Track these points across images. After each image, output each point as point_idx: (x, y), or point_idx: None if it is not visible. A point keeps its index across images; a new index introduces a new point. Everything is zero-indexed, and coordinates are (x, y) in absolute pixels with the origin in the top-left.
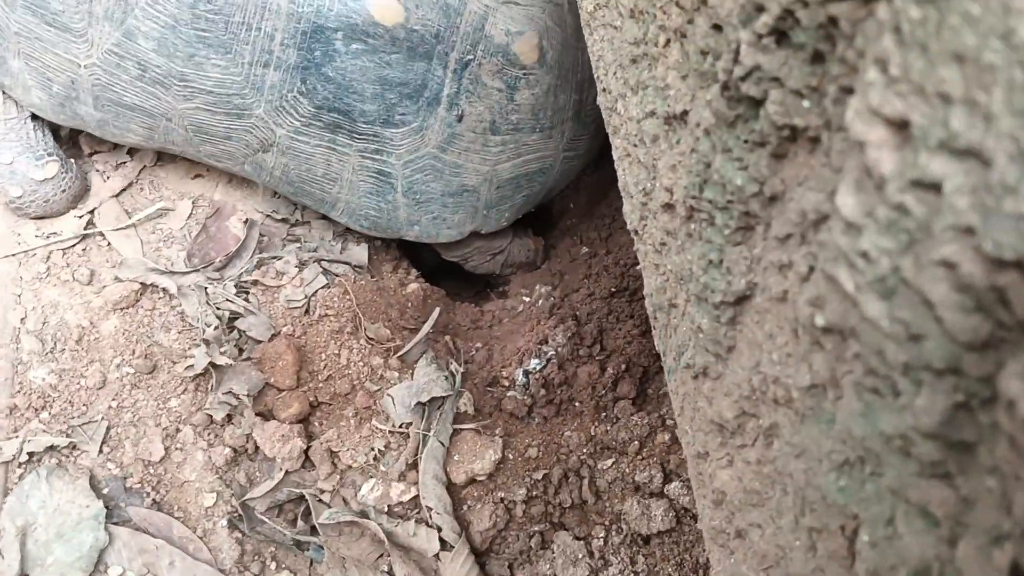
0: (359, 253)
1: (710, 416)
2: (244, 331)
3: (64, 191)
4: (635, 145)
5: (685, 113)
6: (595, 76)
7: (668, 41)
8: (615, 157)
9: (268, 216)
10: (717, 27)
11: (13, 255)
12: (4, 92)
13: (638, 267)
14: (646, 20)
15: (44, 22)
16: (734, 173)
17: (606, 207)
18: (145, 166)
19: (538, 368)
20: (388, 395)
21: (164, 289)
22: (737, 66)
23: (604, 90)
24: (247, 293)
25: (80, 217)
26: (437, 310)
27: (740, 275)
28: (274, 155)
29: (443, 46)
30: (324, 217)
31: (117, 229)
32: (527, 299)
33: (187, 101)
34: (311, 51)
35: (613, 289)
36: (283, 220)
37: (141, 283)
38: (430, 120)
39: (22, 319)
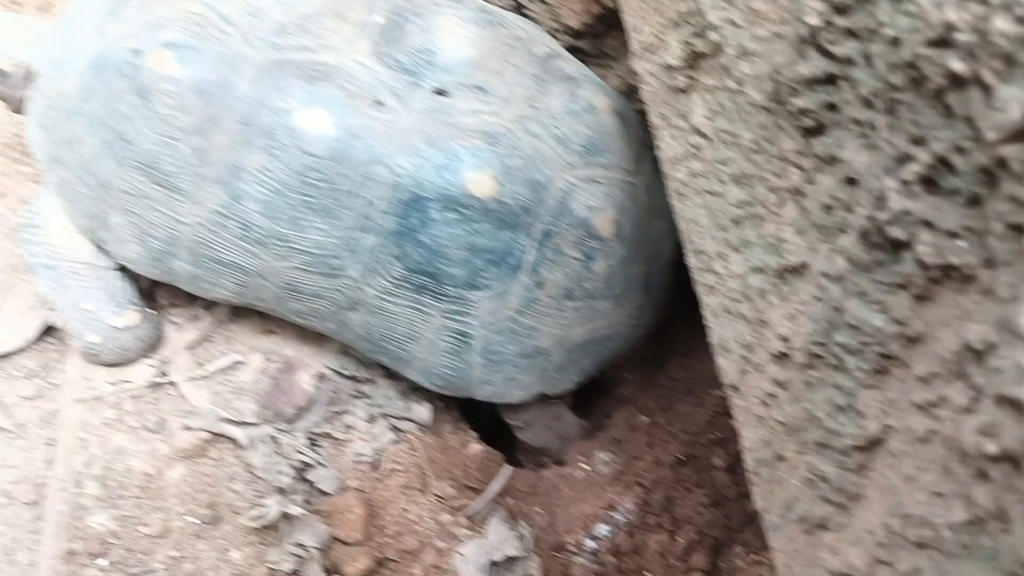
0: (423, 412)
1: (836, 568)
2: (314, 483)
3: (140, 340)
4: (736, 301)
5: (804, 265)
6: (685, 240)
7: (782, 200)
8: (708, 315)
9: (336, 372)
10: (851, 180)
11: (83, 400)
12: (97, 245)
13: (707, 436)
14: (753, 184)
15: (153, 181)
16: (871, 316)
17: (664, 377)
18: (220, 321)
19: (607, 535)
20: (459, 553)
21: (233, 439)
22: (881, 212)
23: (697, 252)
24: (317, 445)
25: (153, 367)
26: (509, 469)
27: (873, 419)
28: (360, 314)
29: (529, 218)
30: (389, 376)
31: (189, 379)
32: (586, 467)
33: (284, 260)
34: (408, 218)
35: (680, 456)
36: (351, 377)
37: (211, 432)
38: (512, 285)
39: (86, 463)
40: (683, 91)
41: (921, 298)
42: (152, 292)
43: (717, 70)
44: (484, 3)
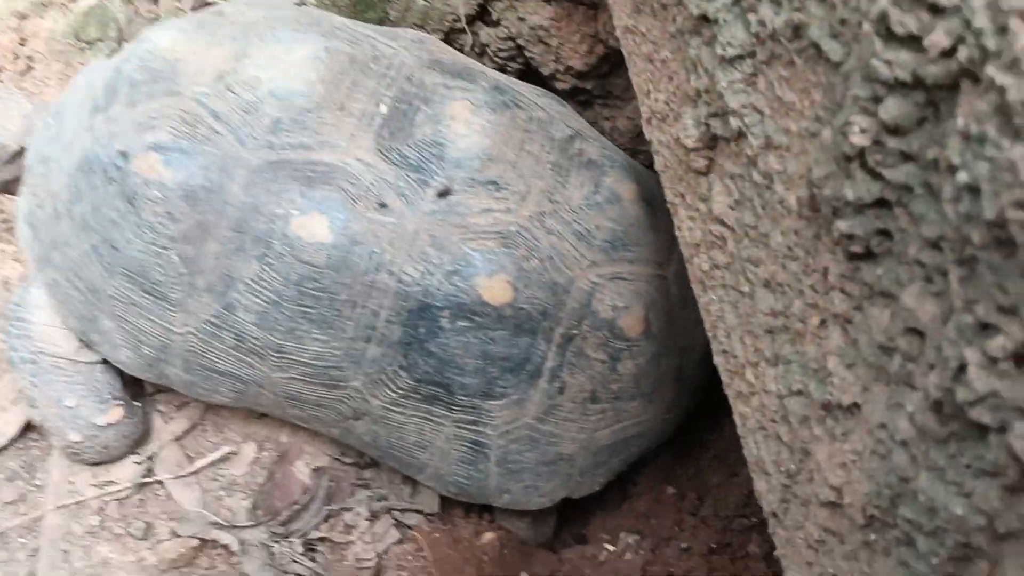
0: (431, 499)
1: None
2: None
3: (125, 436)
4: (773, 421)
5: (855, 407)
6: (710, 334)
7: (824, 322)
8: (739, 423)
9: (336, 459)
10: (914, 331)
11: (65, 506)
12: (87, 345)
13: (741, 520)
14: (788, 294)
15: (142, 290)
16: (949, 499)
17: (694, 443)
18: (209, 406)
19: None
20: None
21: (225, 546)
22: (960, 386)
23: (724, 352)
24: (315, 551)
25: (139, 464)
26: None
27: None
28: (365, 423)
29: (548, 322)
30: None
31: (177, 477)
32: (610, 547)
33: (282, 371)
34: (416, 328)
35: (713, 545)
36: (353, 464)
37: (200, 539)
38: (530, 392)
39: None
40: (701, 173)
41: (1016, 491)
42: (139, 379)
43: (741, 157)
44: (499, 79)
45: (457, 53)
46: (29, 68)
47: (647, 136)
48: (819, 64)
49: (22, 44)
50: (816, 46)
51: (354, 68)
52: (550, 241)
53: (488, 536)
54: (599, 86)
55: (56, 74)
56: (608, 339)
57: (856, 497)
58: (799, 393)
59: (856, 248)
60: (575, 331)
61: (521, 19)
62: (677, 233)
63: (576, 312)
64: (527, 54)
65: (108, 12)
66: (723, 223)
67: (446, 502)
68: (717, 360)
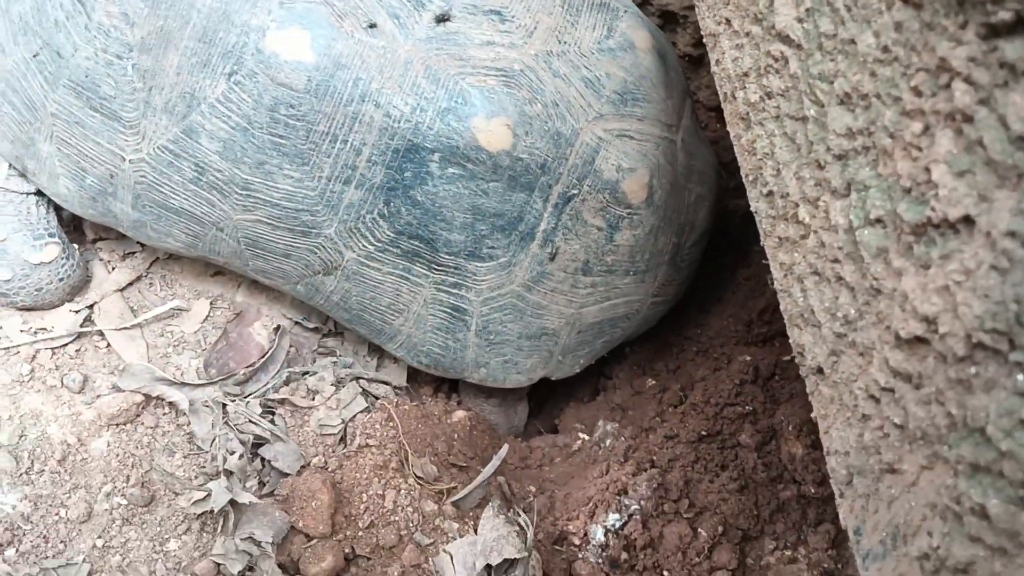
0: (398, 372)
1: None
2: (269, 461)
3: (62, 279)
4: (835, 261)
5: (967, 220)
6: (751, 177)
7: (928, 129)
8: (781, 276)
9: (297, 324)
10: None
11: None
12: (21, 173)
13: (732, 408)
14: (874, 106)
15: (89, 106)
16: None
17: (673, 334)
18: (158, 258)
19: (617, 525)
20: (445, 552)
21: (172, 404)
22: None
23: (770, 194)
24: (273, 414)
25: (76, 312)
26: (505, 448)
27: None
28: (336, 279)
29: (547, 178)
30: None
31: (120, 329)
32: (584, 436)
33: (246, 212)
34: (401, 171)
35: (703, 433)
36: (314, 329)
37: (144, 395)
38: (520, 256)
39: None
40: None
41: None
42: (78, 222)
43: None
44: None
45: None
46: None
47: None
48: None
49: None
50: None
51: None
52: (556, 85)
53: (459, 415)
54: None
55: None
56: (608, 203)
57: (957, 325)
58: (877, 222)
59: (1003, 15)
60: (575, 191)
61: None
62: (715, 68)
63: (578, 169)
64: None
65: None
66: (787, 40)
67: (413, 379)
68: (757, 206)
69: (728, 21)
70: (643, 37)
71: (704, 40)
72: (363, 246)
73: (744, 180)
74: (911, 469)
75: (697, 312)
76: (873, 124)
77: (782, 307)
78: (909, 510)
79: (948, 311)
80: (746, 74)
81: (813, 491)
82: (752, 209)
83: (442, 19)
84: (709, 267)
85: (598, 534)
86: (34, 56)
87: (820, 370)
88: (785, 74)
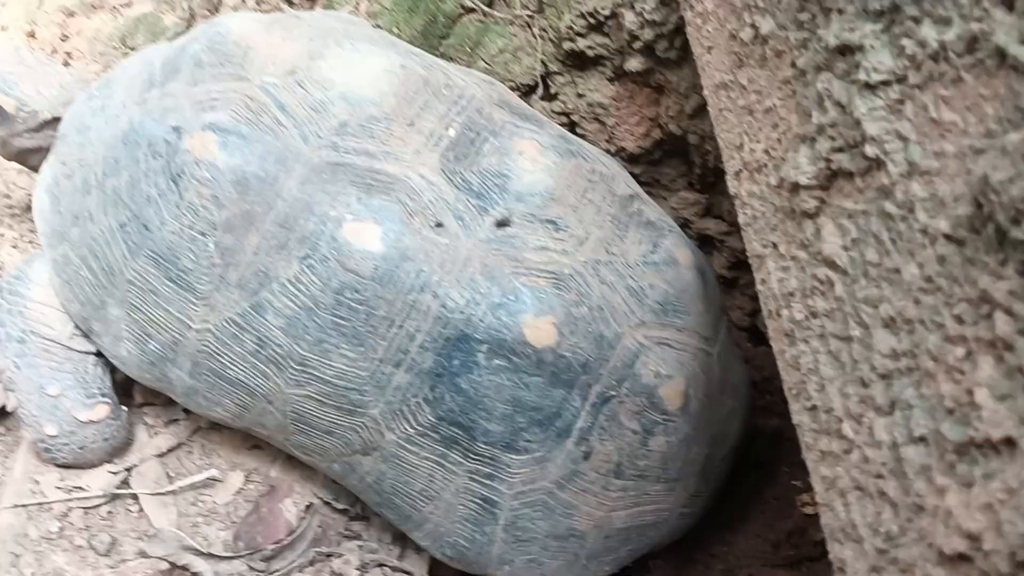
0: (420, 564)
1: None
2: None
3: (106, 439)
4: (878, 477)
5: (1009, 441)
6: (793, 391)
7: (970, 354)
8: (820, 490)
9: (327, 504)
10: None
11: (24, 506)
12: (84, 334)
13: None
14: (918, 331)
15: (166, 276)
16: None
17: (698, 551)
18: (200, 427)
19: None
20: None
21: (196, 574)
22: None
23: (813, 408)
24: None
25: (115, 473)
26: None
27: None
28: (373, 460)
29: (588, 377)
30: None
31: (154, 494)
32: None
33: (298, 387)
34: (450, 359)
35: None
36: (343, 511)
37: (171, 563)
38: (555, 452)
39: None
40: (809, 215)
41: None
42: (128, 386)
43: (867, 192)
44: (565, 131)
45: (523, 102)
46: (66, 64)
47: (733, 190)
48: (1000, 73)
49: (63, 40)
50: (1001, 53)
51: (427, 89)
52: (602, 291)
53: None
54: (648, 172)
55: (93, 74)
56: (645, 408)
57: (1000, 543)
58: (921, 440)
59: None
60: (613, 392)
61: (580, 95)
62: (760, 287)
63: (617, 371)
64: (579, 131)
65: (161, 22)
66: (833, 265)
67: (434, 571)
68: (800, 420)
69: (775, 245)
70: (685, 255)
71: (749, 261)
72: (404, 429)
73: (787, 394)
74: None
75: (723, 530)
76: (917, 347)
77: (822, 522)
78: None
79: (991, 528)
80: (791, 294)
81: None
82: (795, 423)
83: (502, 224)
84: (736, 485)
85: None
86: (121, 227)
87: None
88: (831, 296)
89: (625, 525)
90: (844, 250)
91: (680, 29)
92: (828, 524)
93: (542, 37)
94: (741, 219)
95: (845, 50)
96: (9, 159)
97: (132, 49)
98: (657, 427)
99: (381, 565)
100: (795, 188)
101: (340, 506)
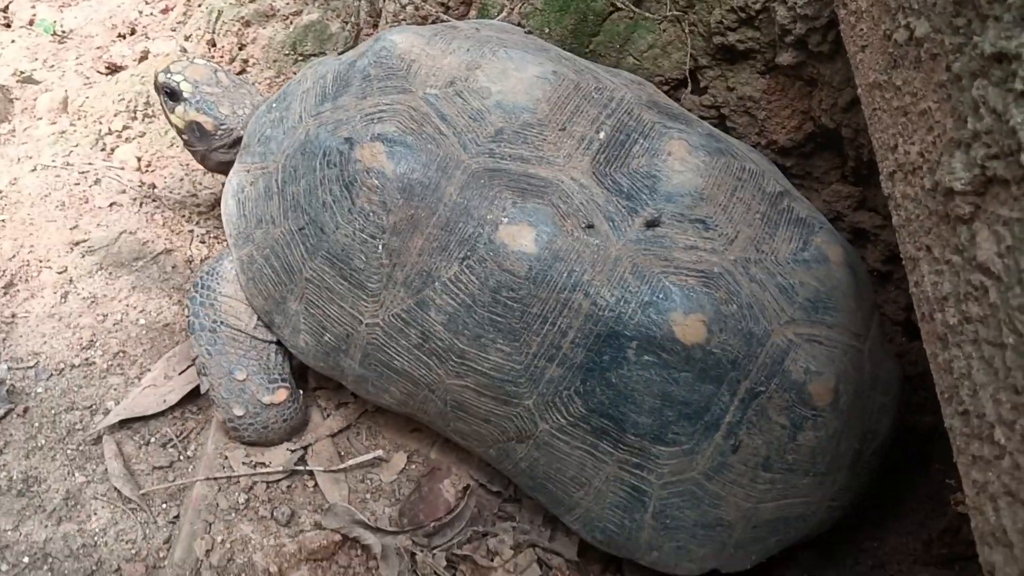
0: (570, 546)
1: None
2: None
3: (286, 420)
4: None
5: None
6: (946, 395)
7: None
8: (970, 494)
9: (482, 486)
10: None
11: (215, 479)
12: (266, 325)
13: None
14: None
15: (340, 275)
16: None
17: (846, 545)
18: (366, 410)
19: None
20: None
21: (365, 547)
22: None
23: (965, 412)
24: (456, 569)
25: (293, 451)
26: None
27: None
28: (527, 447)
29: (737, 373)
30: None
31: (328, 471)
32: None
33: (458, 378)
34: (600, 354)
35: None
36: (496, 493)
37: (343, 535)
38: (703, 445)
39: (207, 551)
40: (963, 221)
41: None
42: (303, 372)
43: (1022, 200)
44: (714, 129)
45: (671, 100)
46: (243, 71)
47: (887, 191)
48: None
49: (240, 48)
50: None
51: (578, 94)
52: (752, 289)
53: None
54: (799, 165)
55: (267, 80)
56: (794, 403)
57: None
58: None
59: None
60: (762, 388)
61: (730, 88)
62: (914, 290)
63: (767, 368)
64: (729, 124)
65: (327, 30)
66: (987, 272)
67: (583, 554)
68: (952, 423)
69: (928, 248)
70: (836, 252)
71: (903, 263)
72: (556, 419)
73: (939, 397)
74: None
75: (873, 526)
76: None
77: (972, 525)
78: None
79: None
80: (945, 298)
81: None
82: (947, 426)
83: (652, 224)
84: (888, 481)
85: None
86: (300, 230)
87: None
88: (984, 303)
89: (773, 516)
90: (999, 257)
91: (833, 23)
92: (978, 528)
93: (692, 32)
94: (895, 220)
95: (1001, 58)
96: (209, 170)
97: (302, 55)
98: (806, 422)
99: (533, 545)
100: (949, 193)
101: (495, 488)
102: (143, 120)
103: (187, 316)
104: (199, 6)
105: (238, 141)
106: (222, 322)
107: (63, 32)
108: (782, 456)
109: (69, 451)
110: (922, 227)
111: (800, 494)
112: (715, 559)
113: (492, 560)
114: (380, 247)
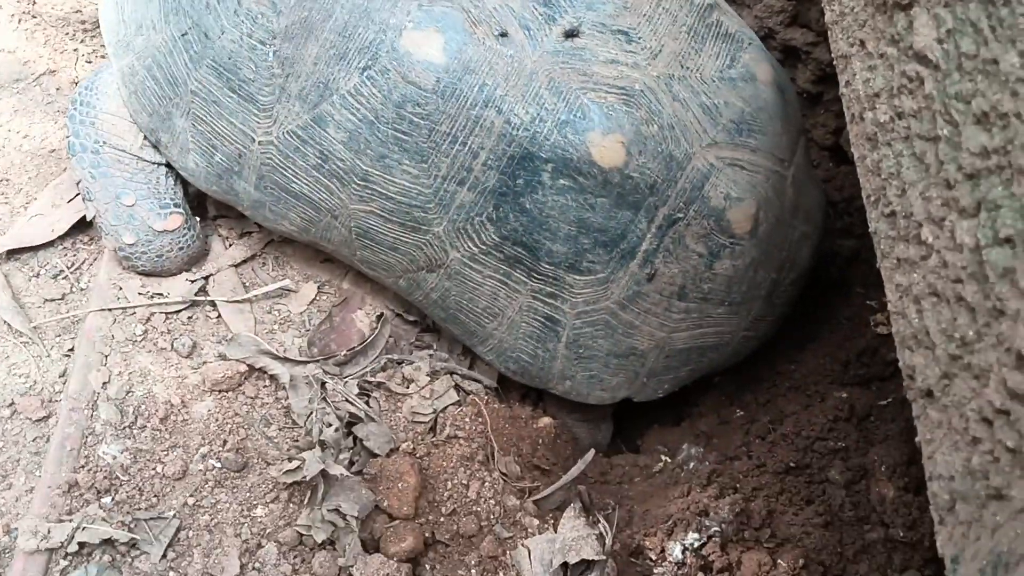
0: (490, 373)
1: None
2: (361, 440)
3: (182, 248)
4: (956, 281)
5: None
6: (872, 197)
7: None
8: (893, 298)
9: (398, 315)
10: None
11: (109, 310)
12: (154, 145)
13: (823, 443)
14: (1013, 126)
15: (228, 87)
16: None
17: (766, 369)
18: (272, 240)
19: (696, 545)
20: (524, 546)
21: (273, 376)
22: None
23: (892, 214)
24: (369, 396)
25: (192, 281)
26: (591, 453)
27: None
28: (438, 277)
29: (655, 198)
30: None
31: (231, 301)
32: (666, 458)
33: (362, 203)
34: (514, 178)
35: (791, 464)
36: (413, 323)
37: (248, 365)
38: (618, 273)
39: (104, 383)
40: (901, 7)
41: None
42: (202, 199)
43: None
44: None
45: None
46: None
47: None
48: None
49: None
50: None
51: None
52: (674, 108)
53: (545, 421)
54: None
55: None
56: (712, 231)
57: None
58: (1007, 242)
59: None
60: (680, 215)
61: None
62: (844, 90)
63: (686, 193)
64: None
65: None
66: (924, 60)
67: (502, 383)
68: (877, 227)
69: (862, 42)
70: (765, 70)
71: (835, 62)
72: (468, 247)
73: (865, 202)
74: (1020, 495)
75: (792, 349)
76: (1010, 143)
77: (894, 329)
78: (1014, 538)
79: None
80: (877, 95)
81: (901, 535)
82: (871, 231)
83: (571, 34)
84: (808, 306)
85: (675, 551)
86: (182, 35)
87: (930, 393)
88: (919, 94)
89: (686, 346)
90: (938, 43)
91: None
92: (900, 332)
93: None
94: (828, 17)
95: None
96: None
97: None
98: (724, 251)
99: (451, 373)
100: None
101: (411, 318)
102: None
103: (66, 136)
104: None
105: None
106: (105, 142)
107: None
108: (698, 285)
109: None
110: (856, 20)
111: (715, 324)
112: (627, 388)
113: (408, 387)
114: (271, 55)
